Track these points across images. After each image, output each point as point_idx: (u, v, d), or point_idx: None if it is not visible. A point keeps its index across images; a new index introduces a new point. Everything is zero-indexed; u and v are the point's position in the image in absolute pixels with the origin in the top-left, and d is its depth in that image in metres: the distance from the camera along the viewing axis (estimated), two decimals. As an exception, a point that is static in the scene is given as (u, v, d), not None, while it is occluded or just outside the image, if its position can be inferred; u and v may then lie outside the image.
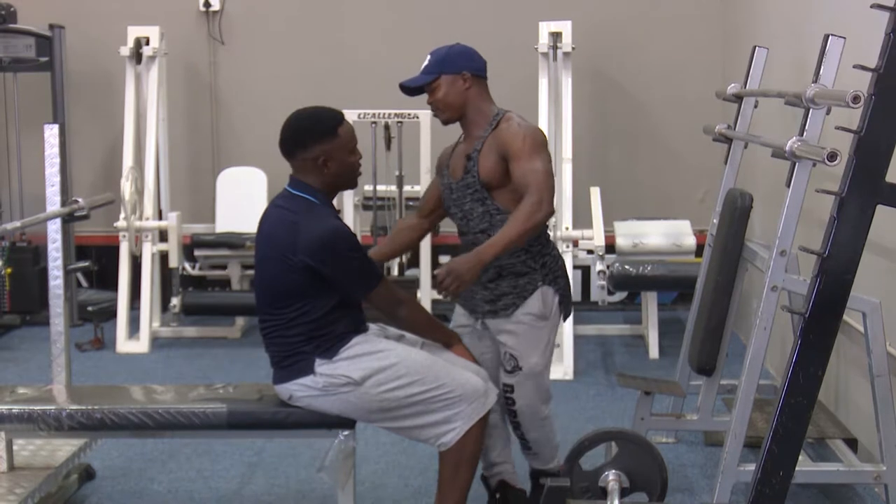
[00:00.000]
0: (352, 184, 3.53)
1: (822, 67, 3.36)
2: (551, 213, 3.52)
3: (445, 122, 3.73)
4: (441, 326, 3.67)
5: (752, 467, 3.44)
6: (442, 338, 3.62)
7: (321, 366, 3.36)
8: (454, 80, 3.63)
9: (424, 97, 3.71)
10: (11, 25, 7.43)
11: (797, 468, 3.36)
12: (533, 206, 3.45)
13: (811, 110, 3.37)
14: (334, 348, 3.37)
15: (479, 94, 3.68)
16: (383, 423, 3.49)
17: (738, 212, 4.20)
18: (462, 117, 3.69)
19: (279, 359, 3.45)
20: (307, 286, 3.33)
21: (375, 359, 3.37)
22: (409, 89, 3.69)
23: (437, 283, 3.43)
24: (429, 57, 3.68)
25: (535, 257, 3.67)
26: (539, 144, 3.57)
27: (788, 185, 3.42)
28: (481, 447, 3.52)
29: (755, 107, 4.61)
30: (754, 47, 4.57)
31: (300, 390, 3.40)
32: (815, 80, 3.36)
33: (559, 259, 3.77)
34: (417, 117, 6.54)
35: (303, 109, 3.46)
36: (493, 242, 3.45)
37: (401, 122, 6.68)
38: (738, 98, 4.62)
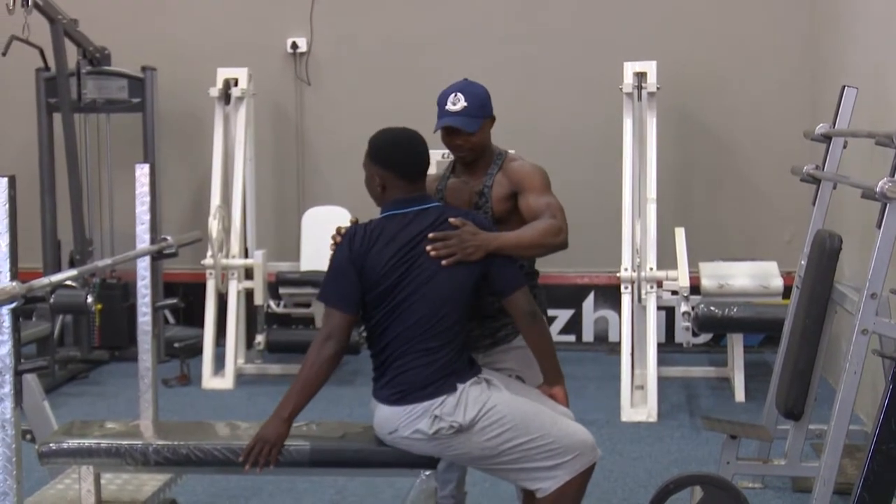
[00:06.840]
0: None
1: (914, 107, 3.31)
2: (564, 245, 3.52)
3: (469, 163, 3.72)
4: (556, 357, 3.57)
5: (842, 515, 3.37)
6: (553, 367, 3.53)
7: (438, 407, 3.27)
8: (487, 123, 3.66)
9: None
10: (105, 68, 7.64)
11: (889, 516, 3.28)
12: (554, 227, 3.48)
13: (903, 150, 3.32)
14: (459, 383, 3.30)
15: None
16: (479, 466, 3.46)
17: (826, 253, 4.14)
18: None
19: (404, 386, 3.34)
20: (472, 292, 3.39)
21: (483, 405, 3.28)
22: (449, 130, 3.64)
23: (436, 237, 3.33)
24: (462, 96, 3.60)
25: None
26: (548, 183, 3.65)
27: (879, 227, 3.36)
28: (581, 498, 3.42)
29: (844, 147, 4.55)
30: (843, 87, 4.51)
31: (408, 429, 3.31)
32: (907, 120, 3.31)
33: (542, 289, 3.81)
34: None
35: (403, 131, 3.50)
36: (506, 236, 3.45)
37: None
38: (827, 138, 4.56)
